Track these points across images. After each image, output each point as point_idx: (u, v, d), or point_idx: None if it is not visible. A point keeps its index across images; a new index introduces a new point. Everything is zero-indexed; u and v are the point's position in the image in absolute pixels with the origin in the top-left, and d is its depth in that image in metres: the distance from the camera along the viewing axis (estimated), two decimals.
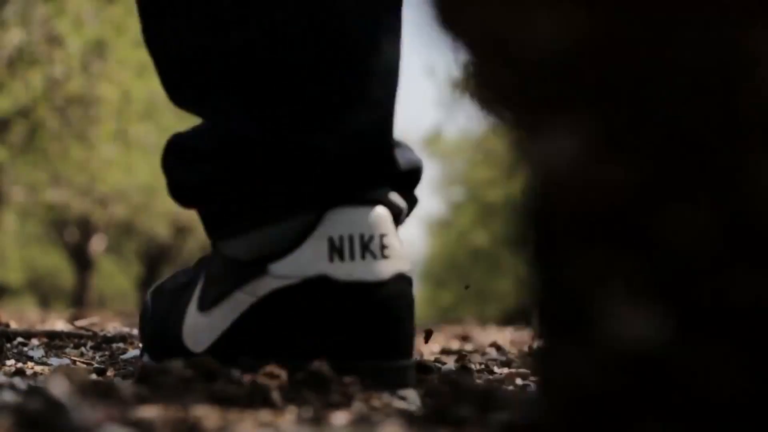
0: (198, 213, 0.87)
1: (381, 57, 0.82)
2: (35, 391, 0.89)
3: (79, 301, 11.07)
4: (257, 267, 0.80)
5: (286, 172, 0.79)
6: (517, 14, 0.41)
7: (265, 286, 0.80)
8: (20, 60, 5.51)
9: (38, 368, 1.30)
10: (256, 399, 0.88)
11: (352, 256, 0.78)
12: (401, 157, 0.83)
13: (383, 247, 0.79)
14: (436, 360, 1.64)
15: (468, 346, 2.29)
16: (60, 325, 2.31)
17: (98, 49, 5.71)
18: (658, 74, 0.39)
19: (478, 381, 1.22)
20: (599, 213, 0.39)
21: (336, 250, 0.78)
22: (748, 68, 0.38)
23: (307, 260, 0.78)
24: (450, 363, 1.49)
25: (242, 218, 0.81)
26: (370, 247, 0.78)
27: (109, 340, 1.63)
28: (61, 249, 12.68)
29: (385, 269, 0.79)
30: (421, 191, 0.87)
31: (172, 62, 0.86)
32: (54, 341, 1.64)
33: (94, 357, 1.51)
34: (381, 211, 0.79)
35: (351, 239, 0.78)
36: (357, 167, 0.80)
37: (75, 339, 1.65)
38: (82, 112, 6.11)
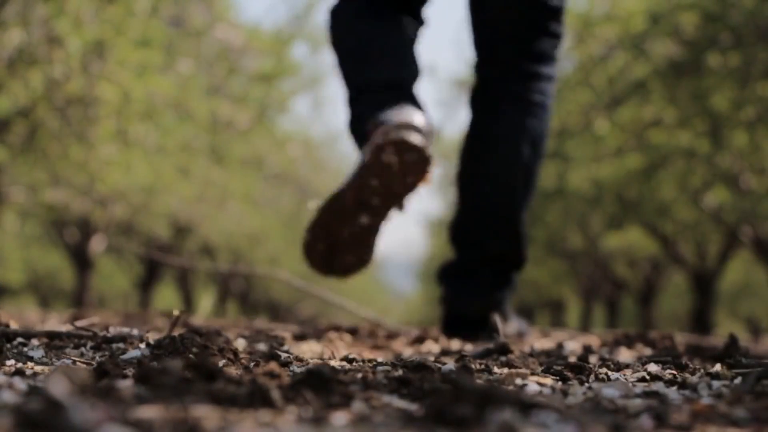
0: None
1: None
2: (35, 391, 0.89)
3: (79, 301, 11.06)
4: None
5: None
6: None
7: None
8: (20, 60, 5.51)
9: (38, 368, 1.30)
10: (256, 399, 0.88)
11: None
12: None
13: None
14: (436, 360, 1.64)
15: (468, 346, 2.29)
16: (60, 325, 2.31)
17: (98, 49, 5.71)
18: None
19: (478, 381, 1.23)
20: None
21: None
22: None
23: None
24: (450, 363, 1.49)
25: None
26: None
27: (109, 340, 1.63)
28: (61, 249, 12.68)
29: None
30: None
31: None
32: (54, 341, 1.64)
33: (94, 357, 1.51)
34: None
35: None
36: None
37: (75, 339, 1.65)
38: (82, 112, 6.10)
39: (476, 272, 2.63)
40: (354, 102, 2.50)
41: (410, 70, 2.50)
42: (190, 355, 1.34)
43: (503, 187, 2.60)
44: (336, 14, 2.65)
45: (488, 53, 2.66)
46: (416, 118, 2.30)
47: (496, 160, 2.61)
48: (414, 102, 2.40)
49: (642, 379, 1.39)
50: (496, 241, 2.63)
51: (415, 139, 2.27)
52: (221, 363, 1.36)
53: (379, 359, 1.68)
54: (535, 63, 2.60)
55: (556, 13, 2.58)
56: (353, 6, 2.62)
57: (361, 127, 2.41)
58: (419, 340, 2.54)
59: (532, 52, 2.59)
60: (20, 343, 1.59)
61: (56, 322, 2.95)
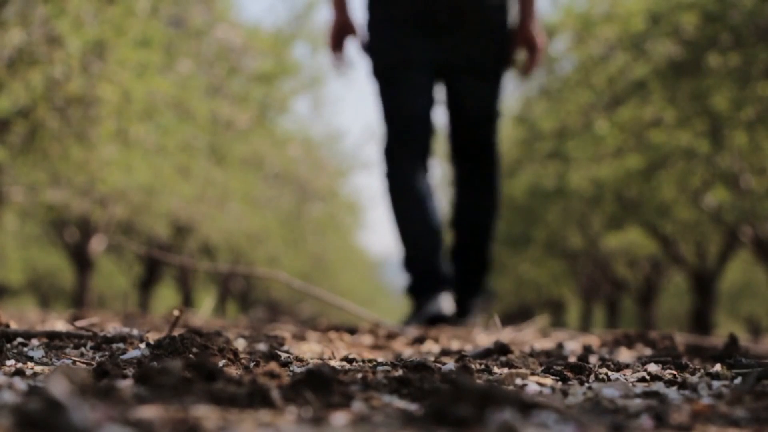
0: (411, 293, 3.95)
1: None
2: (35, 391, 0.89)
3: (79, 301, 11.06)
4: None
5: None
6: None
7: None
8: (20, 60, 5.51)
9: (38, 368, 1.30)
10: (256, 399, 0.88)
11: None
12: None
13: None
14: (436, 360, 1.64)
15: (468, 346, 2.29)
16: (60, 325, 2.31)
17: (98, 49, 5.70)
18: None
19: (478, 381, 1.23)
20: None
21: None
22: None
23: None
24: (450, 363, 1.49)
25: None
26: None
27: (109, 340, 1.63)
28: (61, 249, 12.68)
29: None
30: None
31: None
32: (54, 341, 1.64)
33: (94, 357, 1.51)
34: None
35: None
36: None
37: (75, 339, 1.65)
38: (82, 112, 6.10)
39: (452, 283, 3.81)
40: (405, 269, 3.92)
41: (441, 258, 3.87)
42: (190, 355, 1.34)
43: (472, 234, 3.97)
44: (391, 179, 3.86)
45: (456, 149, 4.01)
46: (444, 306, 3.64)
47: (465, 219, 4.00)
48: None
49: (642, 379, 1.38)
50: (468, 264, 3.96)
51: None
52: (221, 363, 1.36)
53: (379, 359, 1.68)
54: (485, 154, 3.94)
55: (496, 119, 3.94)
56: (402, 175, 3.85)
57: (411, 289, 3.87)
58: (419, 340, 2.54)
59: (483, 148, 3.93)
60: (20, 343, 1.59)
61: (56, 321, 2.95)
